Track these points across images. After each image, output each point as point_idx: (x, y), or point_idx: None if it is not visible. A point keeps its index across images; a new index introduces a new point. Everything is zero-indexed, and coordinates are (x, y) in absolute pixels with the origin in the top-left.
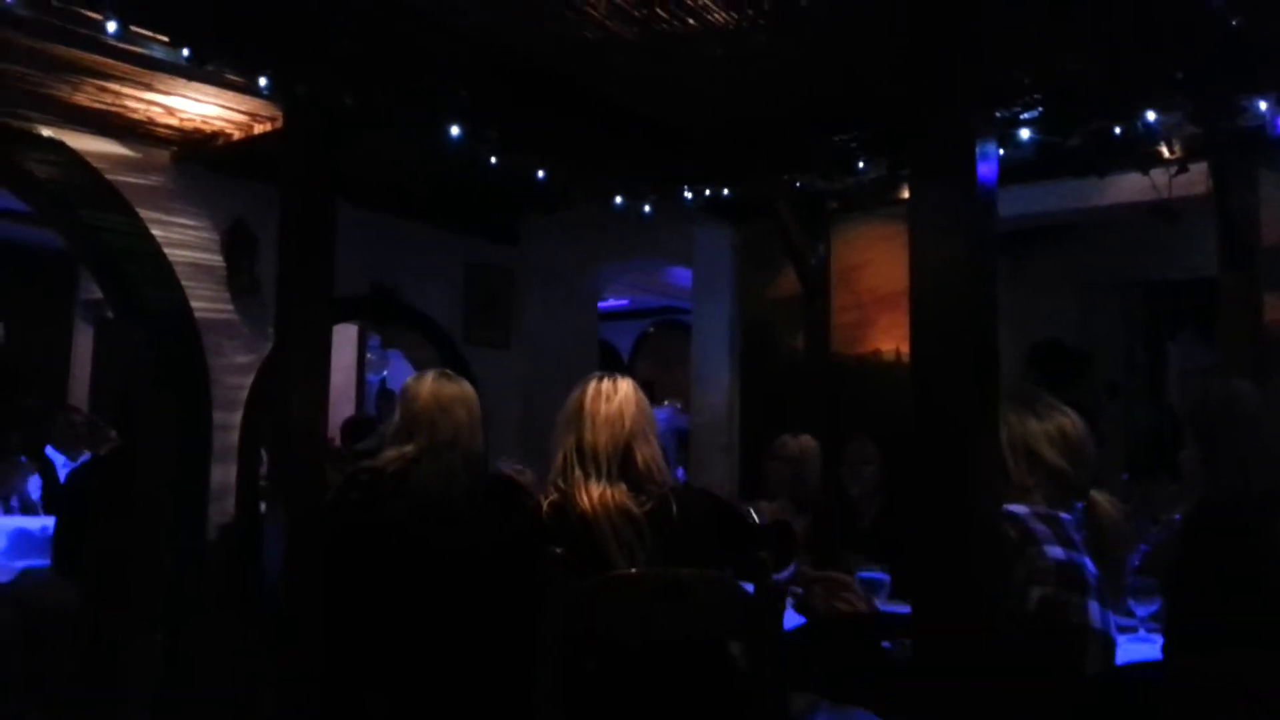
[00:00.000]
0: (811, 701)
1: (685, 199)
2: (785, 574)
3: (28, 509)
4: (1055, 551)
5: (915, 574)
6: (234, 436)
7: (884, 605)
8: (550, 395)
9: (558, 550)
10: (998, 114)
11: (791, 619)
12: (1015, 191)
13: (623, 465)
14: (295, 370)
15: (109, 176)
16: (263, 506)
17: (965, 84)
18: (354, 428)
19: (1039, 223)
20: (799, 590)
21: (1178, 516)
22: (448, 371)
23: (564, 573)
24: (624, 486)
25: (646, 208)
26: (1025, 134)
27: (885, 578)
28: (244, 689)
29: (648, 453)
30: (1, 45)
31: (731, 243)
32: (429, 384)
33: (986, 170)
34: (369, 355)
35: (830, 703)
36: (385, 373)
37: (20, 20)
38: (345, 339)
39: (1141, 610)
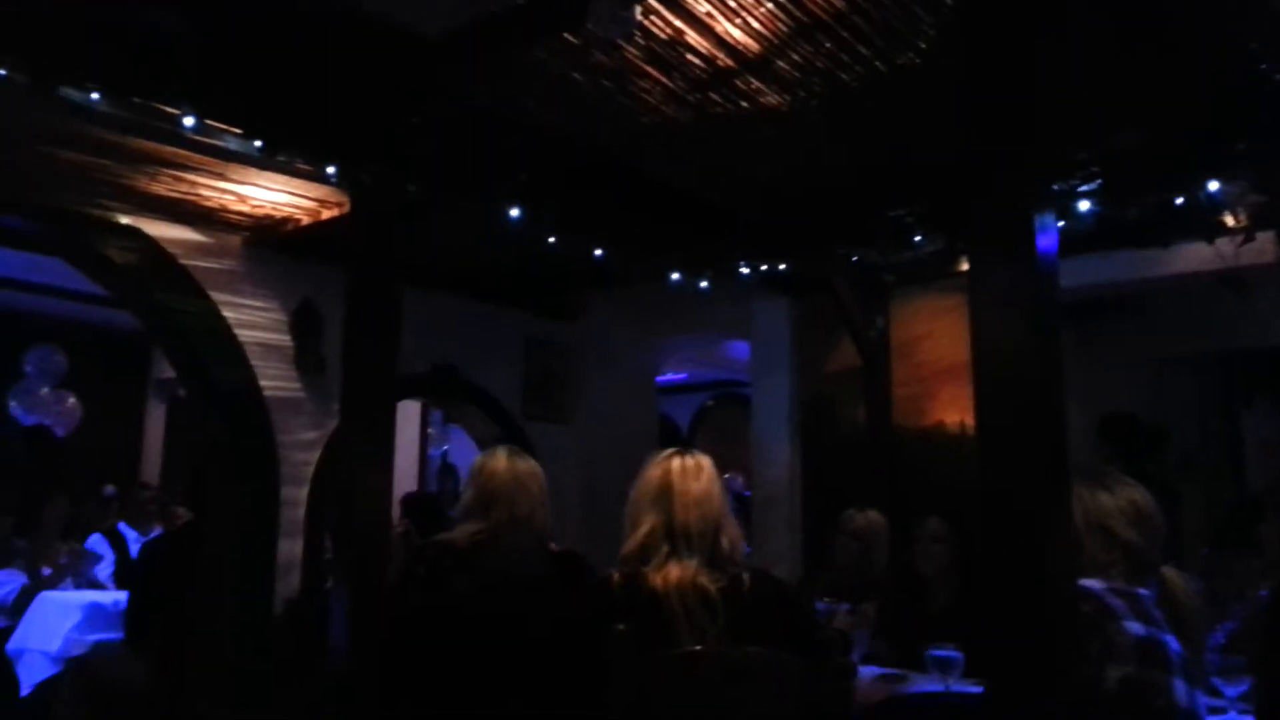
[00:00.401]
0: None
1: (741, 275)
2: (856, 655)
3: (87, 581)
4: (1135, 628)
5: (990, 653)
6: (300, 512)
7: (957, 685)
8: (610, 470)
9: (622, 627)
10: (1056, 186)
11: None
12: (1078, 263)
13: (711, 545)
14: (359, 446)
15: (183, 261)
16: (329, 582)
17: (1022, 157)
18: (414, 502)
19: (1104, 294)
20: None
21: (1264, 593)
22: (518, 448)
23: (630, 650)
24: (705, 565)
25: (703, 284)
26: (1085, 206)
27: (959, 656)
28: None
29: (733, 534)
30: (84, 139)
31: (789, 316)
32: (504, 460)
33: (1046, 242)
34: (430, 430)
35: None
36: (446, 447)
37: (102, 116)
38: (408, 415)
39: (1231, 690)
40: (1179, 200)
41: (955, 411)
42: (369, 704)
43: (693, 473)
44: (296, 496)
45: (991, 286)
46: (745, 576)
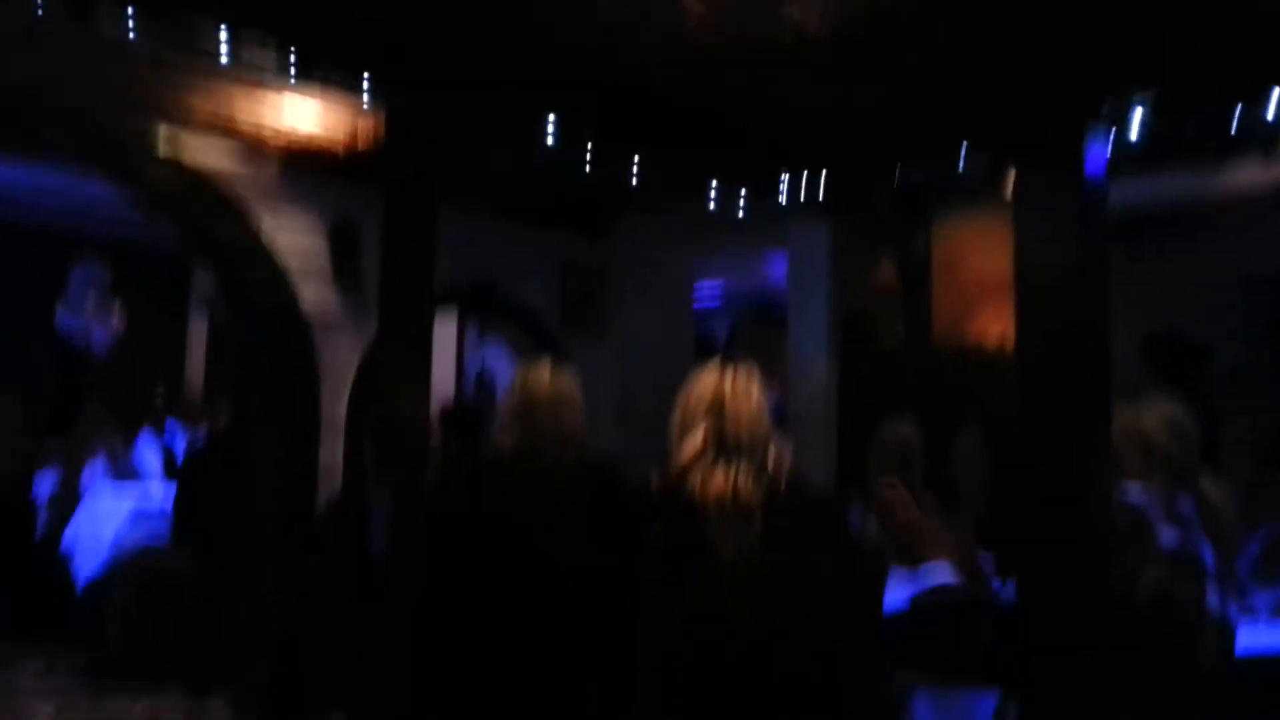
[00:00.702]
0: (913, 682)
1: (780, 194)
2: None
3: (129, 476)
4: (1169, 538)
5: (1024, 561)
6: (340, 421)
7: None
8: (645, 386)
9: (656, 537)
10: (1107, 102)
11: (893, 601)
12: (1129, 181)
13: (760, 457)
14: (397, 362)
15: (221, 181)
16: (369, 489)
17: (1074, 71)
18: (453, 415)
19: (1156, 213)
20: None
21: None
22: (558, 363)
23: (664, 559)
24: (750, 476)
25: (741, 204)
26: (1137, 122)
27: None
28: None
29: (780, 448)
30: (119, 55)
31: (828, 235)
32: (545, 373)
33: (1096, 160)
34: (467, 341)
35: (932, 683)
36: (483, 362)
37: (140, 36)
38: (445, 330)
39: (1263, 599)
40: (1235, 116)
41: (996, 331)
42: (408, 605)
43: (744, 385)
44: (336, 410)
45: (1038, 204)
46: (786, 487)
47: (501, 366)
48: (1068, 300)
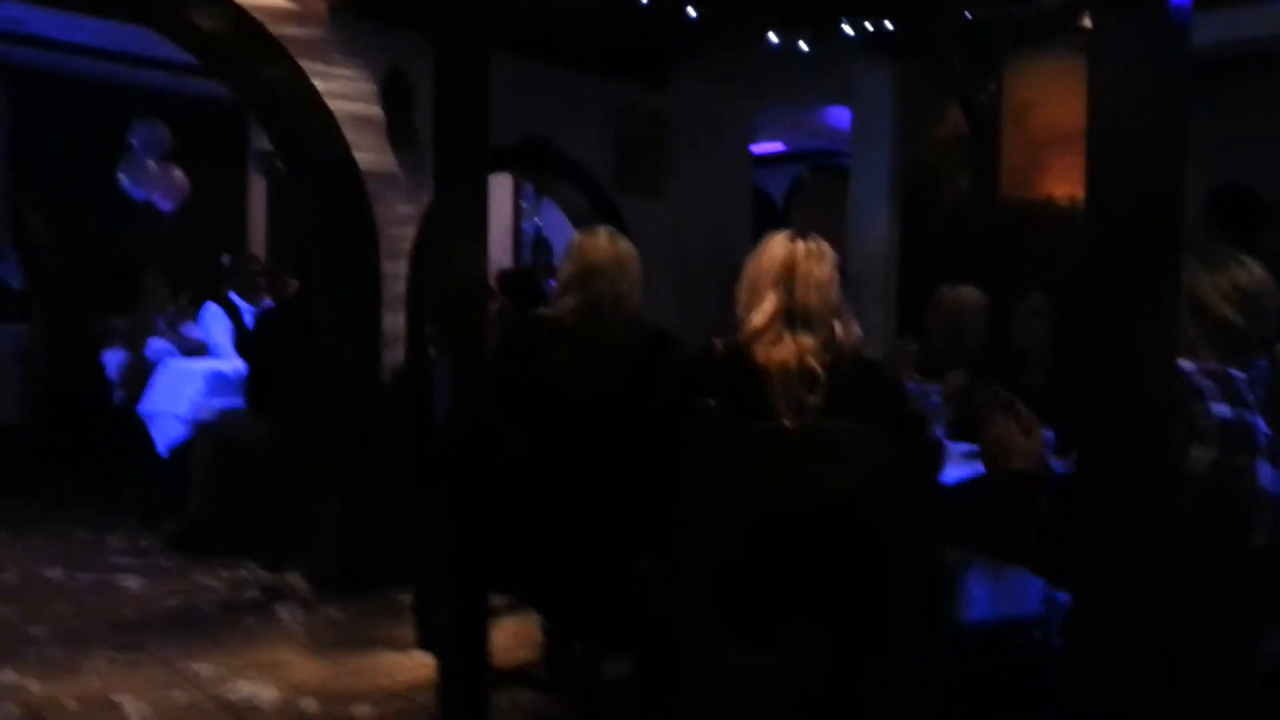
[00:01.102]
0: (967, 557)
1: (844, 34)
2: (939, 430)
3: (193, 351)
4: (1221, 409)
5: (1079, 432)
6: (401, 285)
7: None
8: (702, 243)
9: (712, 402)
10: None
11: (948, 475)
12: (1213, 16)
13: (829, 329)
14: (454, 221)
15: (271, 28)
16: (431, 353)
17: None
18: (510, 277)
19: (1240, 50)
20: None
21: None
22: (615, 229)
23: (716, 425)
24: (817, 347)
25: (802, 46)
26: None
27: (1049, 435)
28: (418, 530)
29: (848, 321)
30: None
31: (893, 80)
32: (604, 238)
33: None
34: (523, 204)
35: (986, 559)
36: (539, 221)
37: None
38: (500, 188)
39: None
40: None
41: (1066, 183)
42: (471, 465)
43: (816, 256)
44: (396, 270)
45: (1114, 43)
46: (850, 359)
47: (558, 227)
48: (1142, 147)
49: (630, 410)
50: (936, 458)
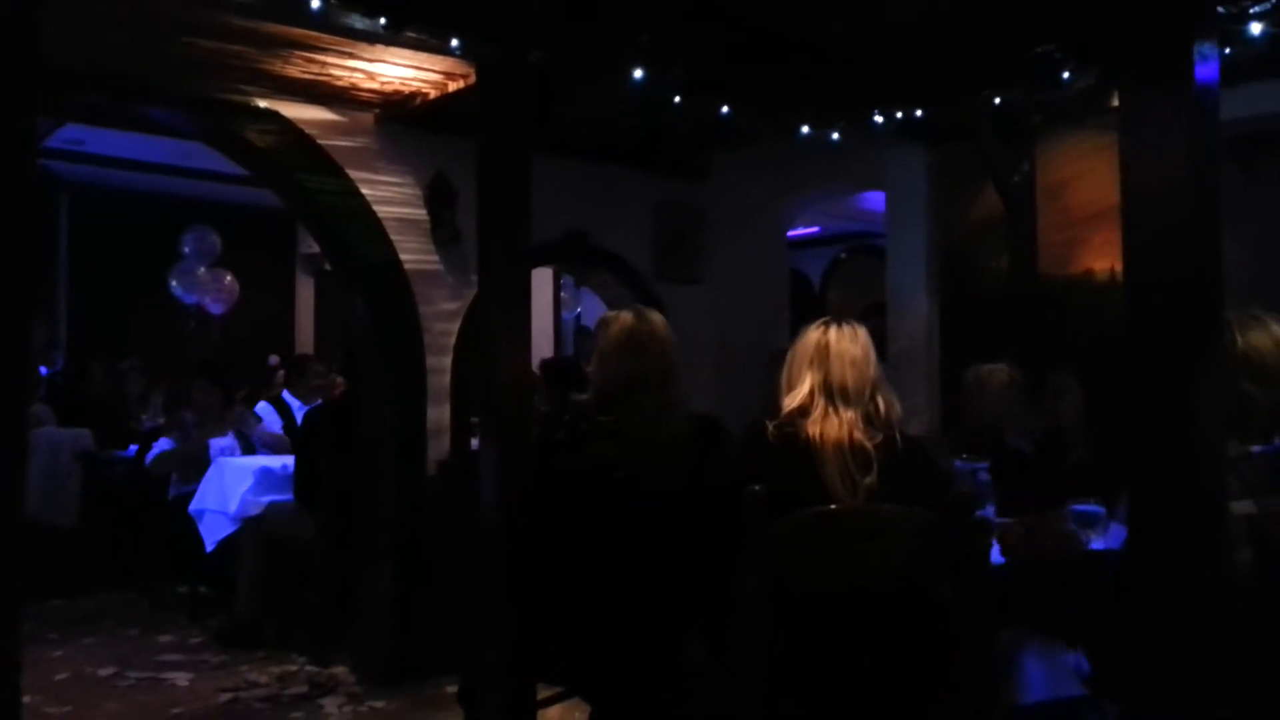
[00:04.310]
0: (1019, 639)
1: (875, 125)
2: (988, 510)
3: (248, 448)
4: (1243, 506)
5: (1130, 511)
6: (445, 379)
7: (1097, 542)
8: (743, 328)
9: (756, 488)
10: (1221, 9)
11: (999, 556)
12: (1245, 90)
13: (868, 404)
14: (497, 315)
15: (320, 140)
16: (475, 443)
17: None
18: (553, 366)
19: (1274, 125)
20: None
21: None
22: (640, 308)
23: (766, 511)
24: (862, 422)
25: (835, 136)
26: (1256, 29)
27: (1100, 510)
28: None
29: (889, 396)
30: (219, 28)
31: (926, 164)
32: (631, 320)
33: (1207, 72)
34: (564, 295)
35: (1038, 639)
36: (579, 310)
37: (236, 3)
38: (542, 280)
39: None
40: None
41: (1105, 259)
42: (516, 557)
43: (849, 336)
44: (441, 364)
45: (1145, 122)
46: (898, 436)
47: (598, 316)
48: (1177, 222)
49: (680, 497)
50: (986, 539)
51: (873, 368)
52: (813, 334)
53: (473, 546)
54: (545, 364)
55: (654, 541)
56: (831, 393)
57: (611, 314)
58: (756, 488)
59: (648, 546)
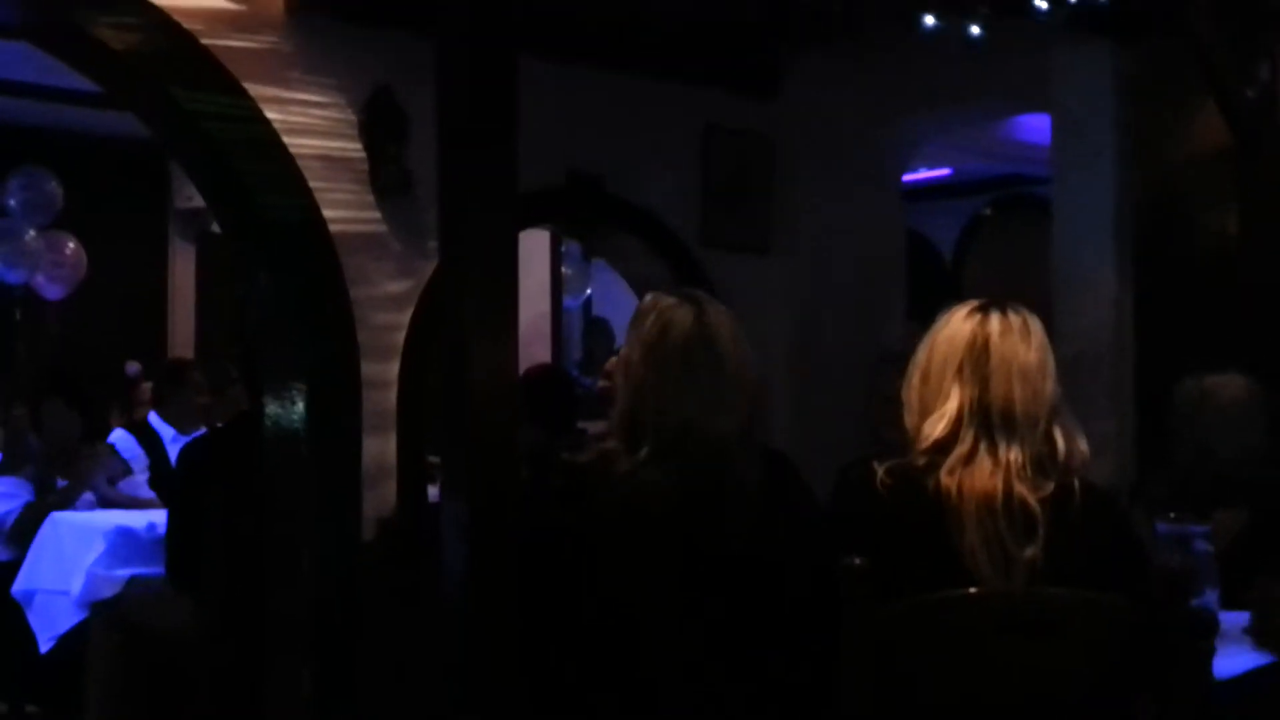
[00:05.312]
0: None
1: (1037, 10)
2: (1209, 598)
3: (110, 504)
4: None
5: None
6: (390, 396)
7: None
8: (833, 320)
9: (859, 561)
10: None
11: (1230, 663)
12: None
13: (1042, 438)
14: (468, 300)
15: (205, 40)
16: (434, 493)
17: None
18: (537, 380)
19: None
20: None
21: None
22: (699, 297)
23: (871, 594)
24: (1029, 466)
25: (975, 29)
26: None
27: None
28: None
29: (1069, 426)
30: None
31: (1114, 72)
32: (683, 315)
33: None
34: (566, 271)
35: None
36: (589, 292)
37: None
38: (534, 248)
39: None
40: None
41: None
42: (499, 661)
43: (1020, 334)
44: (384, 374)
45: None
46: (1078, 487)
47: (617, 302)
48: None
49: (754, 567)
50: (1206, 640)
51: (1051, 382)
52: (962, 324)
53: (430, 644)
54: (529, 376)
55: (712, 634)
56: (989, 420)
57: (654, 303)
58: (857, 561)
59: (701, 640)
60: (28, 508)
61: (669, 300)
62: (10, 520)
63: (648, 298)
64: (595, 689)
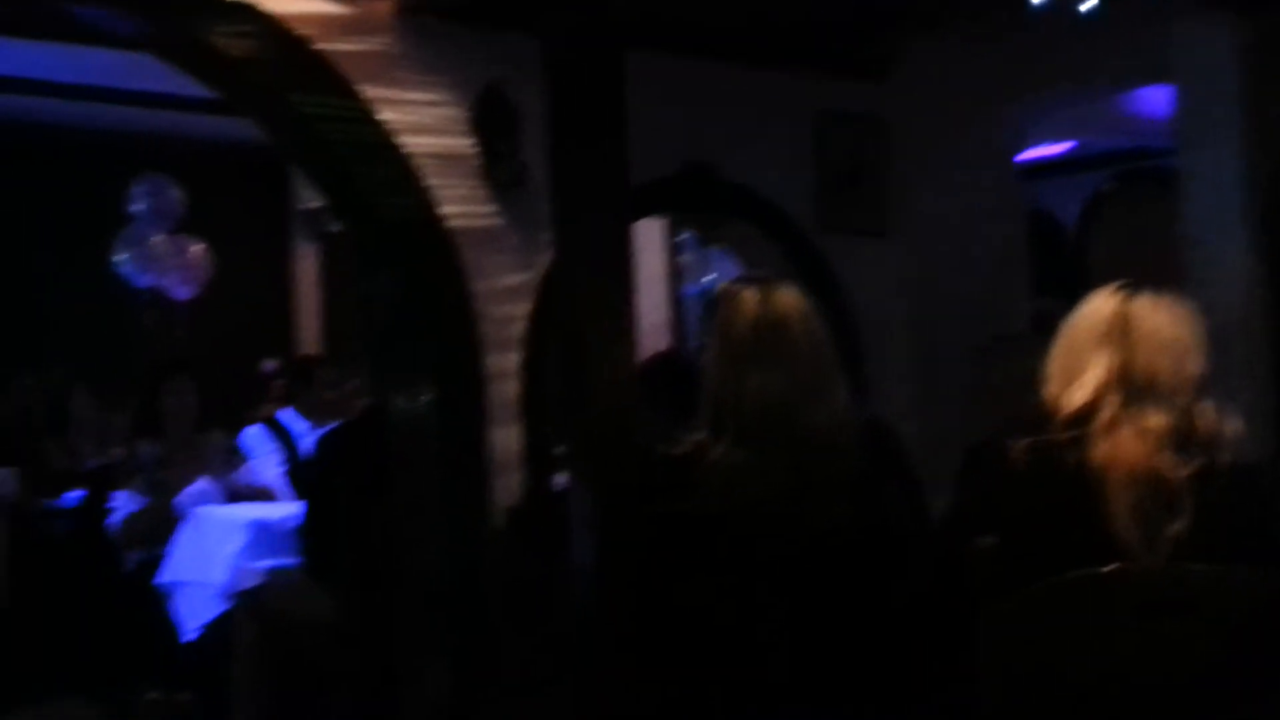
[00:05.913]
0: None
1: None
2: None
3: (237, 495)
4: None
5: None
6: (512, 387)
7: None
8: (954, 300)
9: (989, 541)
10: None
11: None
12: None
13: (1184, 411)
14: (585, 291)
15: (317, 44)
16: (561, 480)
17: None
18: (659, 369)
19: None
20: None
21: None
22: (764, 280)
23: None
24: (1173, 438)
25: (1087, 3)
26: None
27: None
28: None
29: (1219, 403)
30: None
31: (1238, 44)
32: (747, 301)
33: None
34: (684, 259)
35: None
36: (710, 277)
37: None
38: (649, 239)
39: None
40: None
41: None
42: (624, 644)
43: (1164, 307)
44: (506, 366)
45: None
46: (1223, 462)
47: None
48: None
49: (869, 549)
50: None
51: (1197, 358)
52: (1104, 303)
53: (561, 631)
54: (648, 365)
55: (828, 616)
56: (1134, 387)
57: (724, 291)
58: (988, 541)
59: (816, 623)
60: (142, 511)
61: (736, 286)
62: (115, 524)
63: (719, 286)
64: (707, 677)
